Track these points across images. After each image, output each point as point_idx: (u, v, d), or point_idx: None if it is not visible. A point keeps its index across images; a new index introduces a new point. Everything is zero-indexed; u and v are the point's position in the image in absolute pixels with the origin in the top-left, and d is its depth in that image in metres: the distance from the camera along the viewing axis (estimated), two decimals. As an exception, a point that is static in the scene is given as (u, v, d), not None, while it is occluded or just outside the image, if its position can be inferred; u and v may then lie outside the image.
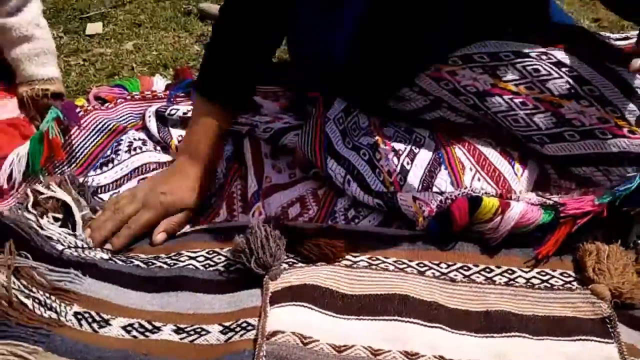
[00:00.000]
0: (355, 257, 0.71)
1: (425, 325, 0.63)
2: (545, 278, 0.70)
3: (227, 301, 0.66)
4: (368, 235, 0.74)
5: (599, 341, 0.62)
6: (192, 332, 0.62)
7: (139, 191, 0.80)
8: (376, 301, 0.65)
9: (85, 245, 0.71)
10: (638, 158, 0.76)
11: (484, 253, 0.73)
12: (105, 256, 0.71)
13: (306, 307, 0.63)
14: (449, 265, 0.71)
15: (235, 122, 0.89)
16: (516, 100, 0.78)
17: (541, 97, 0.77)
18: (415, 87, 0.84)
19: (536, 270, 0.70)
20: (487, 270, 0.71)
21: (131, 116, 1.00)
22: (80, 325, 0.62)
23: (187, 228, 0.80)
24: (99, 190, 0.86)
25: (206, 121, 0.84)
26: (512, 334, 0.63)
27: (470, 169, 0.81)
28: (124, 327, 0.62)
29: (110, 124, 0.93)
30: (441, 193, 0.76)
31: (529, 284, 0.69)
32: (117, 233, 0.76)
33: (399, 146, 0.81)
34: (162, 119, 0.97)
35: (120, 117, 0.99)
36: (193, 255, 0.72)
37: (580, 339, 0.62)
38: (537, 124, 0.77)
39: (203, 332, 0.62)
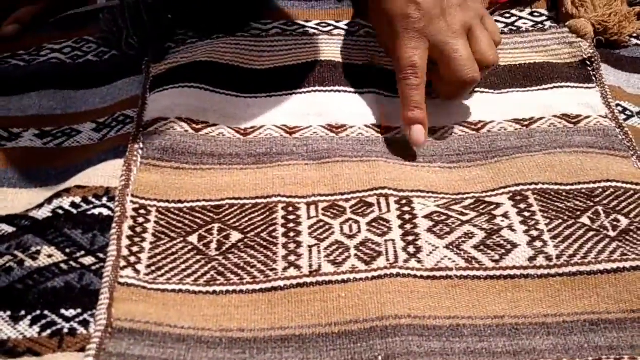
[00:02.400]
0: (265, 24, 0.55)
1: (355, 92, 0.49)
2: (510, 21, 0.55)
3: (103, 95, 0.50)
4: (282, -4, 0.58)
5: (578, 87, 0.49)
6: (59, 135, 0.48)
7: None
8: (292, 72, 0.50)
9: None
10: None
11: None
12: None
13: (198, 87, 0.48)
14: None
15: None
16: None
17: None
18: None
19: (497, 13, 0.55)
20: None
21: None
22: None
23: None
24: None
25: None
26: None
27: None
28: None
29: None
30: None
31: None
32: None
33: None
34: None
35: None
36: (57, 47, 0.55)
37: (555, 87, 0.49)
38: None
39: (73, 133, 0.48)
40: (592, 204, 0.40)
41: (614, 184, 0.42)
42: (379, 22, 0.49)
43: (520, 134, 0.46)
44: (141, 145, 0.43)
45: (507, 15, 0.55)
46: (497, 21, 0.53)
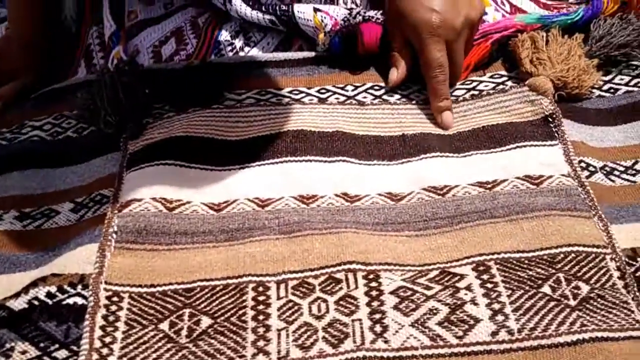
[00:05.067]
0: (239, 94, 0.57)
1: (326, 161, 0.50)
2: (471, 86, 0.57)
3: (81, 173, 0.52)
4: (256, 65, 0.59)
5: (540, 144, 0.50)
6: (38, 216, 0.50)
7: None
8: (264, 143, 0.51)
9: None
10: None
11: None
12: None
13: (174, 164, 0.49)
14: (356, 87, 0.57)
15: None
16: None
17: None
18: None
19: (459, 82, 0.57)
20: (403, 87, 0.57)
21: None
22: None
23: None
24: None
25: None
26: (432, 154, 0.50)
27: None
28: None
29: None
30: (350, 9, 0.60)
31: (452, 97, 0.56)
32: None
33: None
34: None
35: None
36: (38, 124, 0.57)
37: (517, 146, 0.50)
38: None
39: (52, 214, 0.50)
40: (553, 271, 0.41)
41: (575, 248, 0.42)
42: (398, 22, 0.57)
43: (484, 197, 0.47)
44: (115, 229, 0.44)
45: (468, 81, 0.57)
46: (457, 88, 0.57)
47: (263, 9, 0.61)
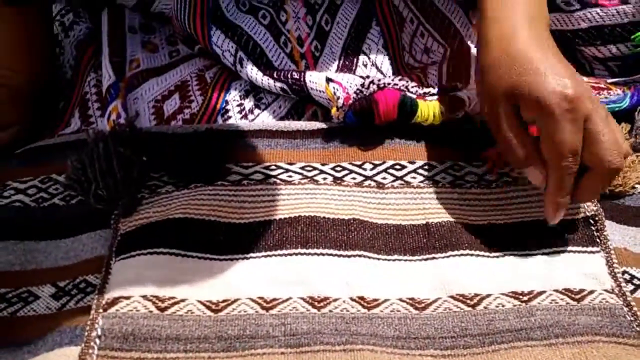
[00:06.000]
0: (246, 167, 0.51)
1: (341, 256, 0.45)
2: (505, 171, 0.52)
3: (66, 250, 0.46)
4: (266, 135, 0.54)
5: (581, 251, 0.45)
6: (14, 300, 0.44)
7: None
8: (272, 229, 0.46)
9: None
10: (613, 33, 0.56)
11: (424, 145, 0.53)
12: None
13: (169, 253, 0.44)
14: (375, 166, 0.51)
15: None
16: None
17: None
18: None
19: (491, 173, 0.51)
20: (427, 167, 0.52)
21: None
22: None
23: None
24: None
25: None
26: (460, 251, 0.45)
27: (411, 20, 0.61)
28: None
29: None
30: (364, 78, 0.55)
31: (483, 182, 0.50)
32: None
33: (314, -2, 0.58)
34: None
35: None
36: (22, 187, 0.51)
37: (555, 251, 0.45)
38: None
39: (30, 298, 0.44)
40: None
41: None
42: (502, 106, 0.45)
43: (520, 312, 0.42)
44: (99, 332, 0.39)
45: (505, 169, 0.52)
46: (489, 180, 0.50)
47: (275, 75, 0.57)
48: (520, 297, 0.43)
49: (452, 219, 0.48)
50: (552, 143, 0.44)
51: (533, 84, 0.43)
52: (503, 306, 0.42)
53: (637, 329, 0.40)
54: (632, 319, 0.41)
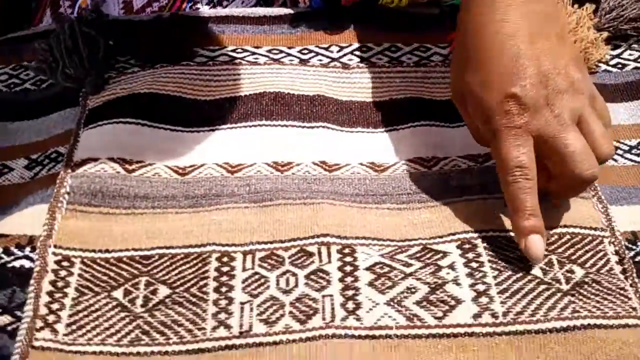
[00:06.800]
0: (212, 50, 0.52)
1: (304, 127, 0.46)
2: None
3: (38, 128, 0.48)
4: (232, 21, 0.54)
5: None
6: (-10, 173, 0.46)
7: None
8: (237, 104, 0.47)
9: None
10: None
11: (392, 30, 0.54)
12: None
13: (135, 123, 0.45)
14: (341, 48, 0.52)
15: None
16: None
17: None
18: None
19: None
20: (393, 49, 0.53)
21: None
22: None
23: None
24: None
25: None
26: (420, 122, 0.47)
27: None
28: None
29: None
30: None
31: (448, 61, 0.51)
32: None
33: None
34: None
35: None
36: (-6, 74, 0.53)
37: None
38: None
39: (5, 170, 0.45)
40: (546, 252, 0.38)
41: (571, 229, 0.39)
42: (465, 104, 0.41)
43: (476, 172, 0.43)
44: (68, 189, 0.40)
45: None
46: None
47: None
48: (477, 158, 0.45)
49: (416, 95, 0.50)
50: (495, 158, 0.39)
51: (483, 94, 0.38)
52: (459, 166, 0.44)
53: None
54: None
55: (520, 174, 0.37)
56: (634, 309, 0.35)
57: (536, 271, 0.37)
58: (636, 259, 0.38)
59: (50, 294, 0.35)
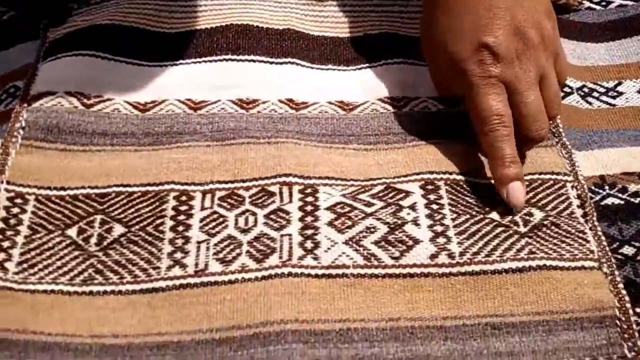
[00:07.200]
0: (181, -19, 0.50)
1: (272, 63, 0.44)
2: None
3: (-2, 62, 0.47)
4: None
5: None
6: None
7: None
8: (203, 37, 0.45)
9: None
10: None
11: None
12: None
13: (95, 56, 0.43)
14: (317, -21, 0.51)
15: None
16: None
17: None
18: None
19: None
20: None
21: None
22: None
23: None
24: None
25: None
26: (394, 60, 0.45)
27: None
28: None
29: None
30: None
31: None
32: None
33: None
34: None
35: None
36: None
37: None
38: None
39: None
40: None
41: (535, 176, 0.38)
42: (436, 60, 0.41)
43: (441, 116, 0.42)
44: (23, 124, 0.39)
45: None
46: None
47: None
48: (447, 100, 0.43)
49: (391, 31, 0.47)
50: (471, 110, 0.39)
51: (454, 46, 0.38)
52: (429, 109, 0.43)
53: (553, 130, 0.41)
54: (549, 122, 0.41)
55: (498, 123, 0.37)
56: (592, 251, 0.34)
57: (494, 215, 0.36)
58: (602, 203, 0.37)
59: (1, 231, 0.35)
